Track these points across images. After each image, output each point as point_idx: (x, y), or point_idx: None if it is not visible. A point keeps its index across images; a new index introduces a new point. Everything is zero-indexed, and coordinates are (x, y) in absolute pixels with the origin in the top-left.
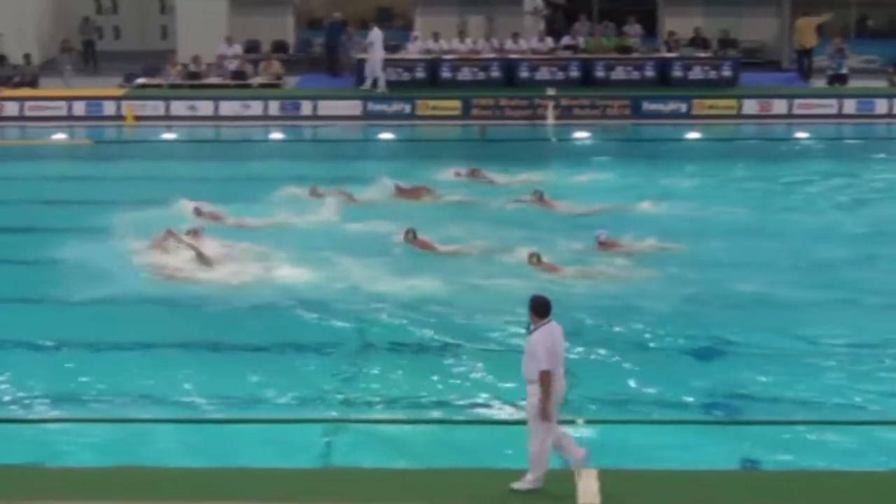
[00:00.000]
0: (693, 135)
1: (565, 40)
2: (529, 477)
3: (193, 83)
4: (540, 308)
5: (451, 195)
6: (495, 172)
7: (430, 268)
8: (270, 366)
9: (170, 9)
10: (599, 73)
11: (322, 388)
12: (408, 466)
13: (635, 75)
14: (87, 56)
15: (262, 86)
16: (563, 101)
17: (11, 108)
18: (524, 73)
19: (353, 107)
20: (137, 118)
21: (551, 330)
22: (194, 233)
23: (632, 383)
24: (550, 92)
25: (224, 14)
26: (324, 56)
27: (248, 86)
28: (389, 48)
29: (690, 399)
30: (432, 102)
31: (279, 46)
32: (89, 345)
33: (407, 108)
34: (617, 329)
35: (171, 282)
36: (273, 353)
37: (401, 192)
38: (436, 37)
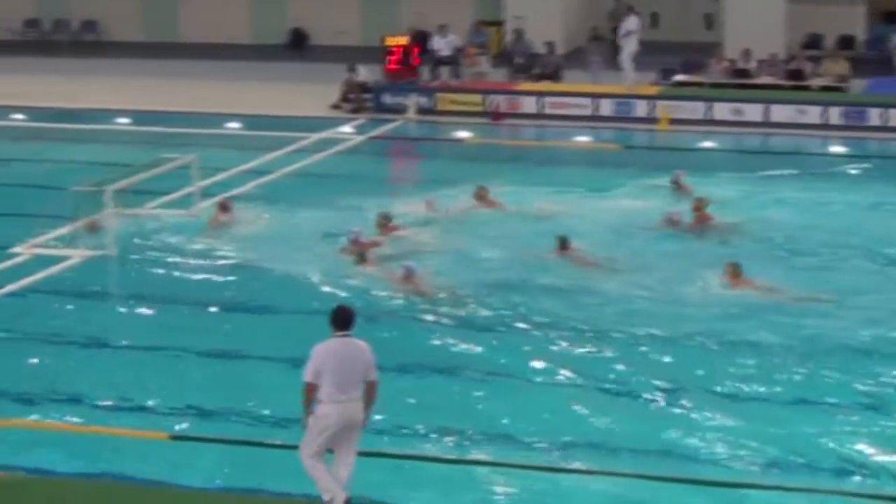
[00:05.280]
0: None
1: None
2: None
3: (740, 82)
4: (334, 319)
5: None
6: None
7: None
8: None
9: None
10: None
11: None
12: None
13: None
14: (618, 47)
15: (823, 88)
16: None
17: (529, 104)
18: None
19: None
20: (672, 121)
21: (341, 346)
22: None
23: None
24: None
25: (781, 2)
26: None
27: (806, 88)
28: None
29: None
30: None
31: (845, 42)
32: None
33: None
34: None
35: None
36: None
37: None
38: None
